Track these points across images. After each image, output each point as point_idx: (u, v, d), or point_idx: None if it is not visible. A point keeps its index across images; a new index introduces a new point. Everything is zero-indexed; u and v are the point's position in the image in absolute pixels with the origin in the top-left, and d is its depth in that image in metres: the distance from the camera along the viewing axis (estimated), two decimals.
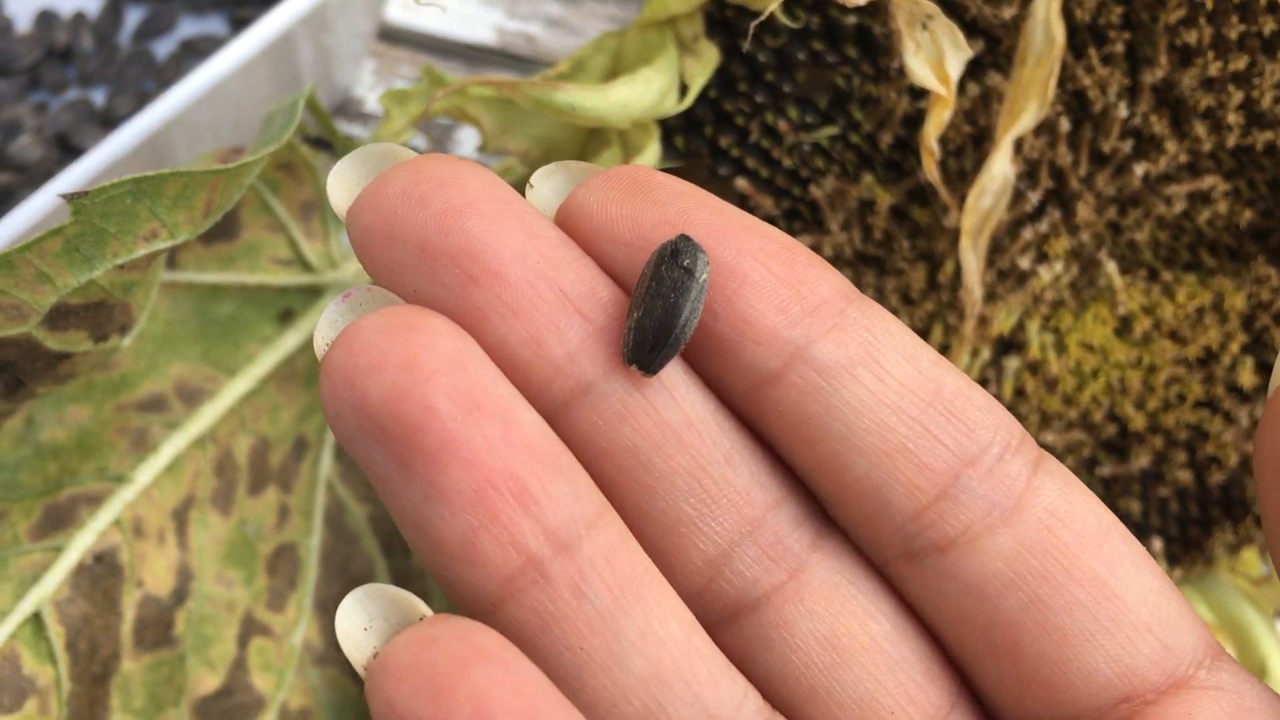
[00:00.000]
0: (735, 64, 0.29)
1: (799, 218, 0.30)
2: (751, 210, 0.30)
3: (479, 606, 0.14)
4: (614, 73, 0.31)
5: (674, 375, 0.15)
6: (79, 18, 0.44)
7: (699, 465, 0.15)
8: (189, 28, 0.45)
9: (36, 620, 0.26)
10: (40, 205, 0.30)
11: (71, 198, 0.19)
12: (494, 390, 0.14)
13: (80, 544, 0.27)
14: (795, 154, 0.30)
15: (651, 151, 0.28)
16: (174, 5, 0.45)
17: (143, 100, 0.42)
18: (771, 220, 0.30)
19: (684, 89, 0.28)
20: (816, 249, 0.30)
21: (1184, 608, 0.16)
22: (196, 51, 0.44)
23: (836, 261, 0.30)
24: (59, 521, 0.27)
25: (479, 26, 0.49)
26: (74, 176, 0.32)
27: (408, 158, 0.15)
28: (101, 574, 0.28)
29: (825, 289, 0.15)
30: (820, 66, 0.29)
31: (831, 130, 0.30)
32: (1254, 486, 0.27)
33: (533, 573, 0.14)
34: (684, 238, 0.15)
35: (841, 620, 0.15)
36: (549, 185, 0.16)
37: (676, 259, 0.14)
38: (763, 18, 0.24)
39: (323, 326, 0.14)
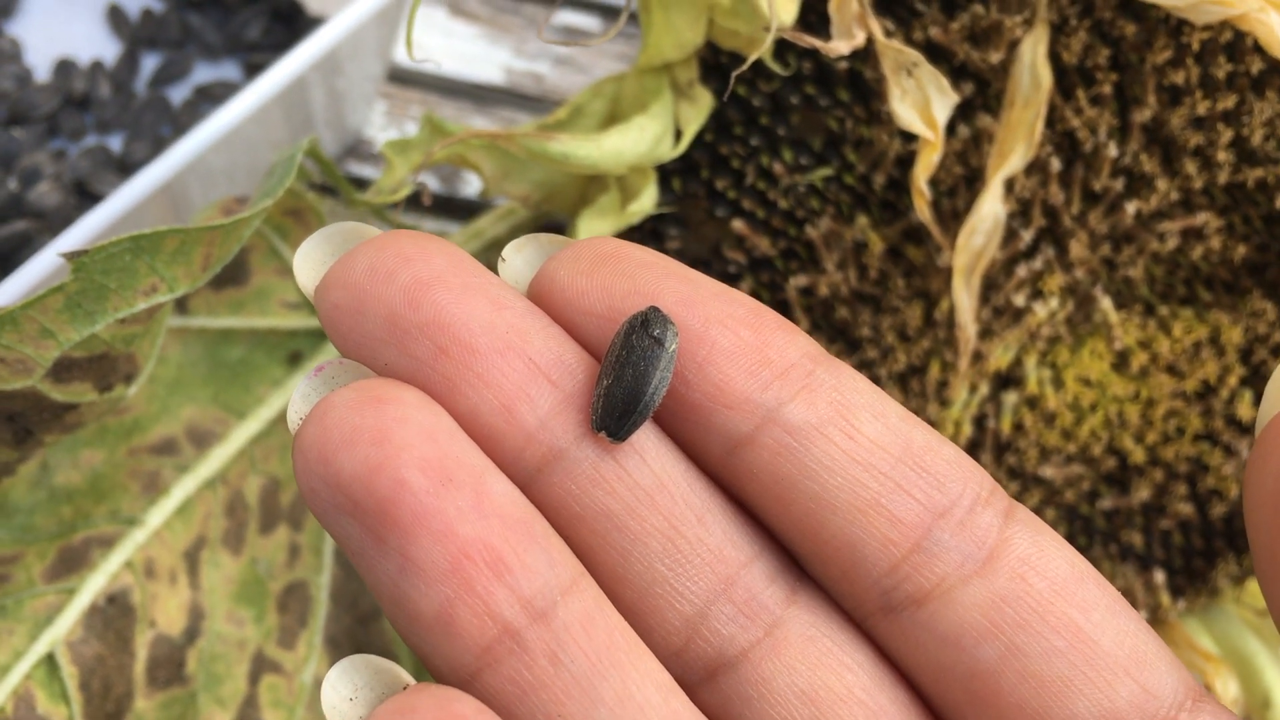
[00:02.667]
0: (730, 108, 0.30)
1: (795, 257, 0.31)
2: (748, 251, 0.31)
3: (457, 676, 0.14)
4: (613, 117, 0.32)
5: (645, 439, 0.15)
6: (96, 66, 0.45)
7: (672, 526, 0.15)
8: (203, 74, 0.46)
9: (50, 661, 0.27)
10: (49, 261, 0.31)
11: (71, 256, 0.20)
12: (466, 461, 0.14)
13: (93, 585, 0.28)
14: (790, 195, 0.30)
15: (649, 195, 0.28)
16: (188, 52, 0.46)
17: (159, 146, 0.43)
18: (767, 260, 0.31)
19: (679, 134, 0.29)
20: (812, 289, 0.31)
21: (1162, 650, 0.16)
22: (211, 97, 0.45)
23: (833, 300, 0.31)
24: (72, 564, 0.28)
25: (487, 66, 0.50)
26: (90, 224, 0.33)
27: (372, 235, 0.15)
28: (114, 615, 0.28)
29: (794, 352, 0.15)
30: (814, 110, 0.30)
31: (826, 172, 0.30)
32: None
33: (509, 642, 0.14)
34: (653, 309, 0.15)
35: (819, 674, 0.15)
36: (520, 258, 0.16)
37: (646, 329, 0.14)
38: (747, 65, 0.24)
39: (296, 401, 0.15)
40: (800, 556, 0.16)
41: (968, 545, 0.15)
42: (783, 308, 0.31)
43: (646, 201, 0.28)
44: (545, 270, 0.16)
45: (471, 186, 0.47)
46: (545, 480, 0.15)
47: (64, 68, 0.44)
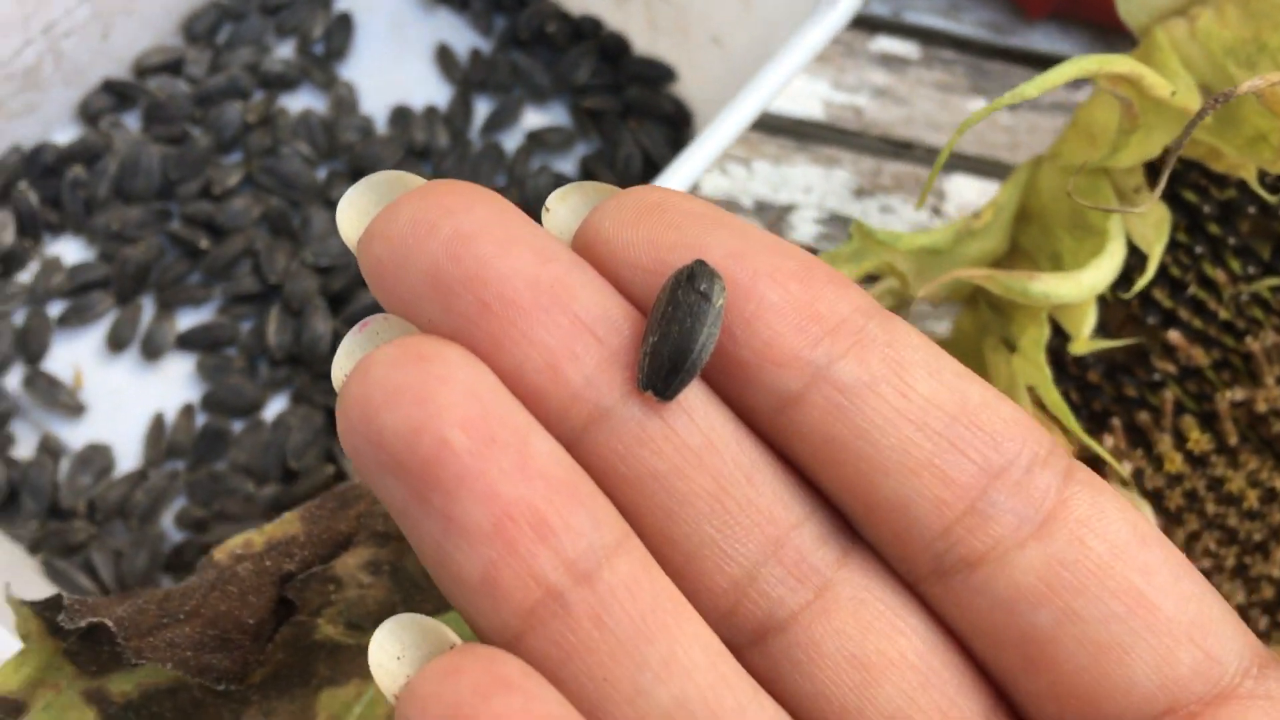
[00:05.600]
0: (1175, 212, 0.27)
1: (1229, 368, 0.28)
2: (1180, 363, 0.28)
3: (502, 638, 0.14)
4: (1027, 211, 0.30)
5: (693, 396, 0.14)
6: (431, 113, 0.45)
7: (720, 486, 0.14)
8: (533, 118, 0.46)
9: None
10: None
11: None
12: (510, 420, 0.13)
13: None
14: (1232, 305, 0.28)
15: (1089, 320, 0.26)
16: (516, 95, 0.46)
17: None
18: (1198, 372, 0.28)
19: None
20: (1249, 403, 0.28)
21: (1228, 615, 0.15)
22: (543, 144, 0.45)
23: (1270, 416, 0.28)
24: None
25: (807, 100, 0.49)
26: None
27: (417, 184, 0.15)
28: None
29: (845, 306, 0.15)
30: (1267, 217, 0.27)
31: (1274, 281, 0.27)
32: None
33: (553, 604, 0.13)
34: (700, 262, 0.14)
35: (870, 637, 0.15)
36: (565, 207, 0.16)
37: (693, 283, 0.14)
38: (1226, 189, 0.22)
39: (340, 358, 0.14)
40: (852, 517, 0.15)
41: (1024, 507, 0.14)
42: (1210, 420, 0.29)
43: (1087, 326, 0.26)
44: (590, 221, 0.15)
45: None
46: (591, 439, 0.14)
47: (401, 116, 0.45)
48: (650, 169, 0.45)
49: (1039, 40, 0.52)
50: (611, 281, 0.15)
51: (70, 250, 0.42)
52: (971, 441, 0.14)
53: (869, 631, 0.15)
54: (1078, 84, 0.50)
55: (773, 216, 0.46)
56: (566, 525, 0.13)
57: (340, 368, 0.14)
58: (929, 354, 0.15)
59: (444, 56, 0.46)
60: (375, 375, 0.13)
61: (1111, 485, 0.16)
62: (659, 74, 0.46)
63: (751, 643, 0.15)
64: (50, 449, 0.39)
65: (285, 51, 0.46)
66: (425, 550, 0.14)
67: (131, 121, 0.43)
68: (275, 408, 0.41)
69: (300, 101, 0.45)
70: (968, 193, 0.49)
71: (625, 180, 0.44)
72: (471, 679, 0.13)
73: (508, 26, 0.47)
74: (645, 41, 0.46)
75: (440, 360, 0.13)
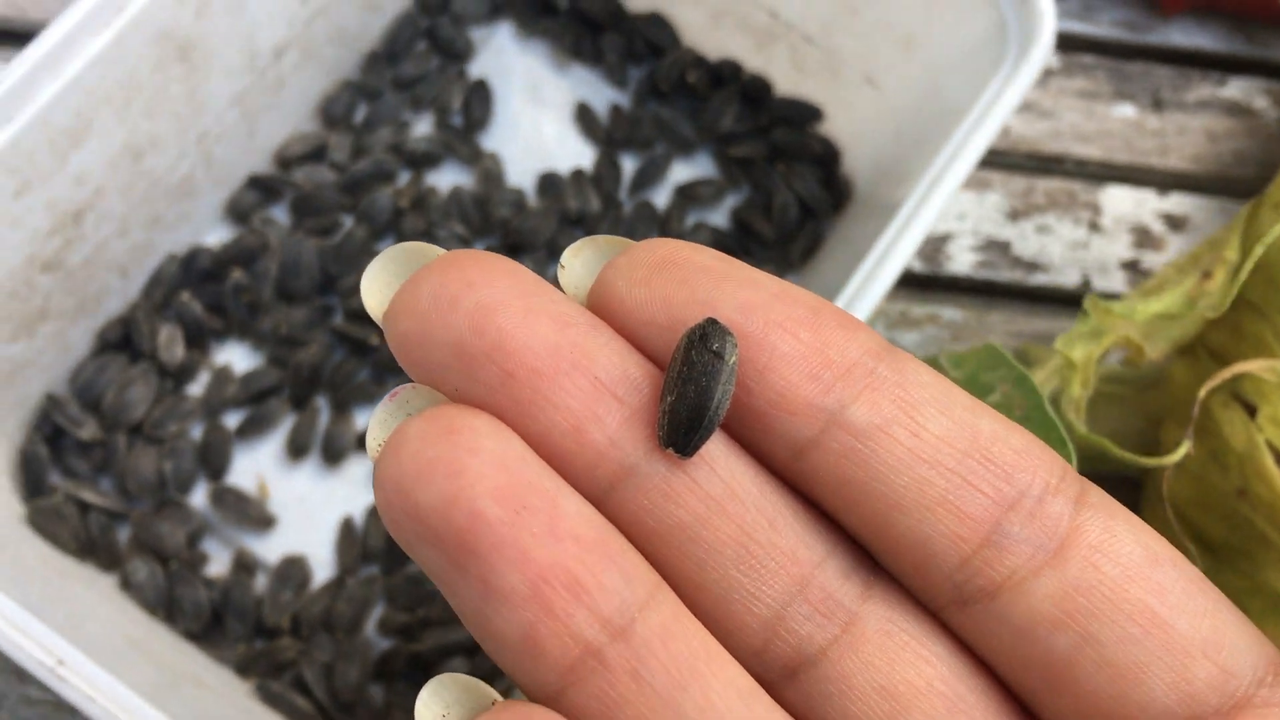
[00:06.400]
0: None
1: None
2: None
3: (544, 694, 0.14)
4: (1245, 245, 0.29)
5: (713, 448, 0.15)
6: (579, 176, 0.44)
7: (744, 532, 0.15)
8: (679, 172, 0.45)
9: None
10: None
11: None
12: (539, 485, 0.14)
13: None
14: None
15: None
16: (661, 150, 0.45)
17: None
18: None
19: None
20: None
21: (1242, 627, 0.15)
22: (694, 199, 0.44)
23: None
24: None
25: None
26: None
27: (435, 255, 0.15)
28: None
29: (854, 350, 0.15)
30: None
31: None
32: None
33: (591, 661, 0.14)
34: (711, 321, 0.15)
35: (897, 667, 0.15)
36: (579, 262, 0.16)
37: (706, 343, 0.14)
38: None
39: (373, 427, 0.15)
40: (873, 552, 0.16)
41: (1038, 536, 0.15)
42: None
43: None
44: (604, 279, 0.15)
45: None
46: (618, 496, 0.15)
47: (549, 183, 0.43)
48: (807, 214, 0.44)
49: (1176, 35, 0.50)
50: (628, 338, 0.15)
51: (237, 356, 0.41)
52: (984, 475, 0.15)
53: (896, 661, 0.15)
54: (1229, 80, 0.49)
55: (929, 248, 0.45)
56: (599, 584, 0.14)
57: (374, 438, 0.15)
58: (939, 391, 0.15)
59: (584, 115, 0.45)
60: (408, 450, 0.14)
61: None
62: (805, 114, 0.44)
63: (784, 678, 0.15)
64: (245, 565, 0.39)
65: (424, 126, 0.44)
66: (466, 613, 0.14)
67: (280, 214, 0.42)
68: None
69: (447, 177, 0.44)
70: (1123, 204, 0.47)
71: (783, 228, 0.43)
72: None
73: (645, 78, 0.45)
74: (789, 84, 0.44)
75: (469, 432, 0.14)
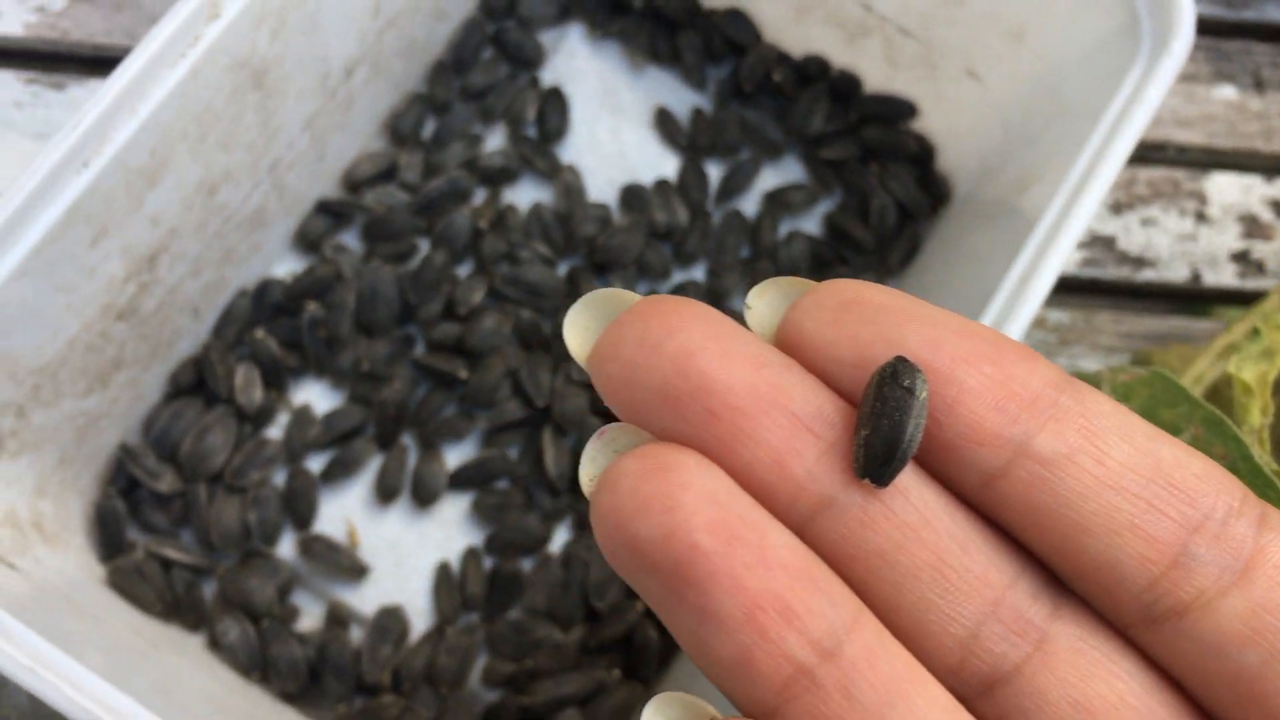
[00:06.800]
0: None
1: None
2: None
3: (758, 710, 0.15)
4: None
5: (906, 478, 0.16)
6: (663, 186, 0.41)
7: (939, 557, 0.16)
8: (768, 177, 0.42)
9: None
10: None
11: None
12: (747, 518, 0.15)
13: None
14: None
15: None
16: (747, 155, 0.42)
17: (747, 270, 0.40)
18: None
19: None
20: None
21: None
22: (785, 205, 0.41)
23: None
24: None
25: None
26: None
27: (632, 300, 0.16)
28: None
29: (1037, 382, 0.16)
30: None
31: None
32: None
33: (804, 680, 0.15)
34: (901, 359, 0.15)
35: (1090, 683, 0.16)
36: (764, 303, 0.17)
37: (897, 380, 0.15)
38: None
39: (585, 464, 0.16)
40: (1061, 575, 0.16)
41: (1224, 557, 0.15)
42: None
43: None
44: (791, 320, 0.16)
45: None
46: (818, 525, 0.16)
47: (633, 196, 0.41)
48: (905, 217, 0.41)
49: (1273, 11, 0.47)
50: (818, 375, 0.16)
51: (316, 394, 0.39)
52: (1169, 500, 0.15)
53: (1089, 677, 0.16)
54: None
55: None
56: (808, 608, 0.15)
57: (586, 474, 0.16)
58: (1120, 420, 0.16)
59: (664, 121, 0.42)
60: (624, 487, 0.15)
61: None
62: (898, 111, 0.42)
63: (980, 695, 0.16)
64: (339, 618, 0.36)
65: (496, 139, 0.42)
66: (683, 636, 0.15)
67: (351, 240, 0.40)
68: (558, 539, 0.38)
69: (525, 193, 0.41)
70: (1230, 192, 0.45)
71: (881, 233, 0.41)
72: None
73: (727, 78, 0.43)
74: (880, 78, 0.42)
75: (680, 469, 0.15)
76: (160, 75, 0.29)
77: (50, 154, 0.28)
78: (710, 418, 0.15)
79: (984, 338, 0.16)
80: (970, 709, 0.16)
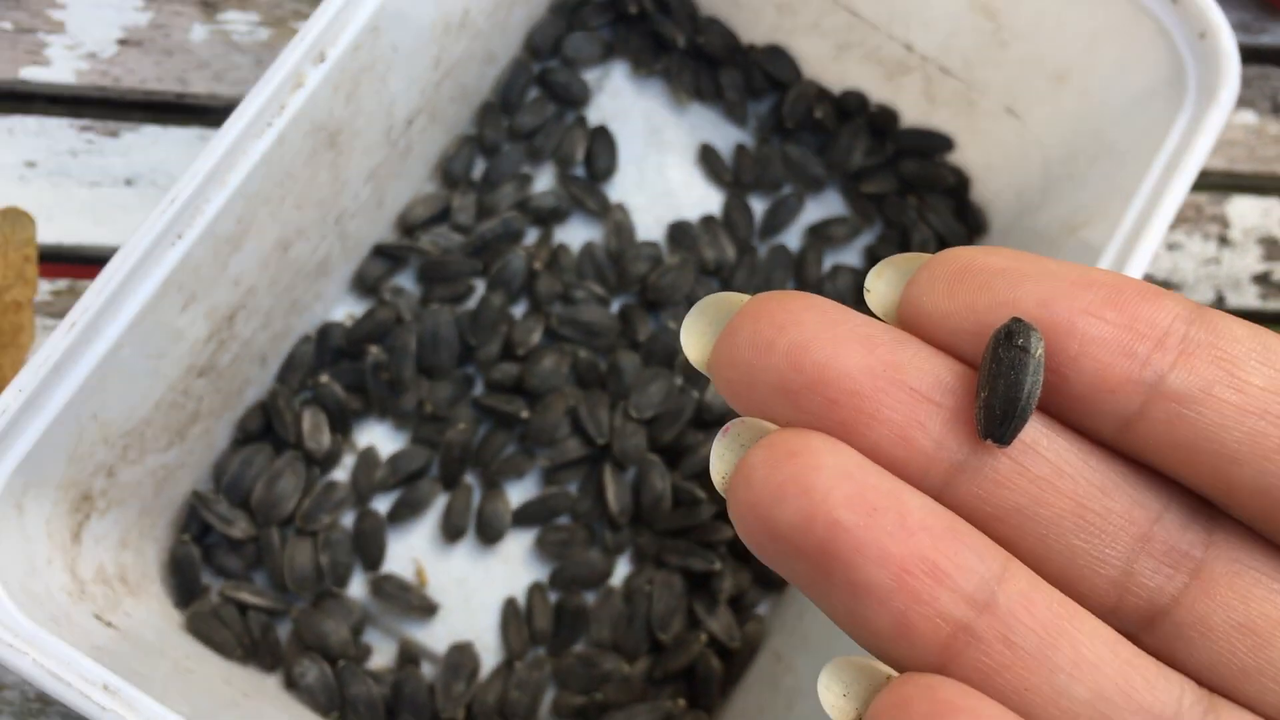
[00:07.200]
0: None
1: None
2: None
3: (924, 670, 0.15)
4: None
5: (1034, 432, 0.16)
6: (710, 223, 0.42)
7: (1078, 503, 0.16)
8: (811, 211, 0.43)
9: None
10: None
11: None
12: (883, 487, 0.15)
13: None
14: None
15: None
16: (791, 191, 0.43)
17: None
18: None
19: None
20: None
21: None
22: (828, 239, 0.42)
23: None
24: None
25: None
26: None
27: (741, 302, 0.16)
28: None
29: (1164, 318, 0.15)
30: None
31: None
32: None
33: (964, 636, 0.15)
34: (1015, 320, 0.15)
35: (1252, 604, 0.16)
36: (883, 283, 0.17)
37: (1011, 340, 0.15)
38: None
39: (714, 462, 0.16)
40: (1217, 504, 0.16)
41: None
42: None
43: None
44: (908, 297, 0.16)
45: None
46: (954, 490, 0.16)
47: (680, 233, 0.42)
48: (943, 249, 0.42)
49: None
50: (940, 347, 0.16)
51: (379, 436, 0.39)
52: None
53: (1250, 598, 0.16)
54: None
55: None
56: (956, 565, 0.15)
57: (717, 471, 0.16)
58: (1256, 343, 0.15)
59: (708, 157, 0.43)
60: (757, 478, 0.15)
61: None
62: (936, 144, 0.43)
63: (1141, 630, 0.16)
64: (411, 656, 0.37)
65: (546, 178, 0.43)
66: (836, 613, 0.15)
67: (407, 281, 0.41)
68: (619, 572, 0.39)
69: (576, 232, 0.42)
70: (1251, 215, 0.46)
71: None
72: (921, 708, 0.15)
73: (768, 114, 0.44)
74: (918, 114, 0.43)
75: (809, 452, 0.15)
76: (249, 147, 0.30)
77: (147, 229, 0.29)
78: (831, 405, 0.15)
79: (1103, 284, 0.16)
80: (1135, 644, 0.16)
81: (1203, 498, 0.16)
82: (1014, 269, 0.16)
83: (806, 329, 0.16)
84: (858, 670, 0.16)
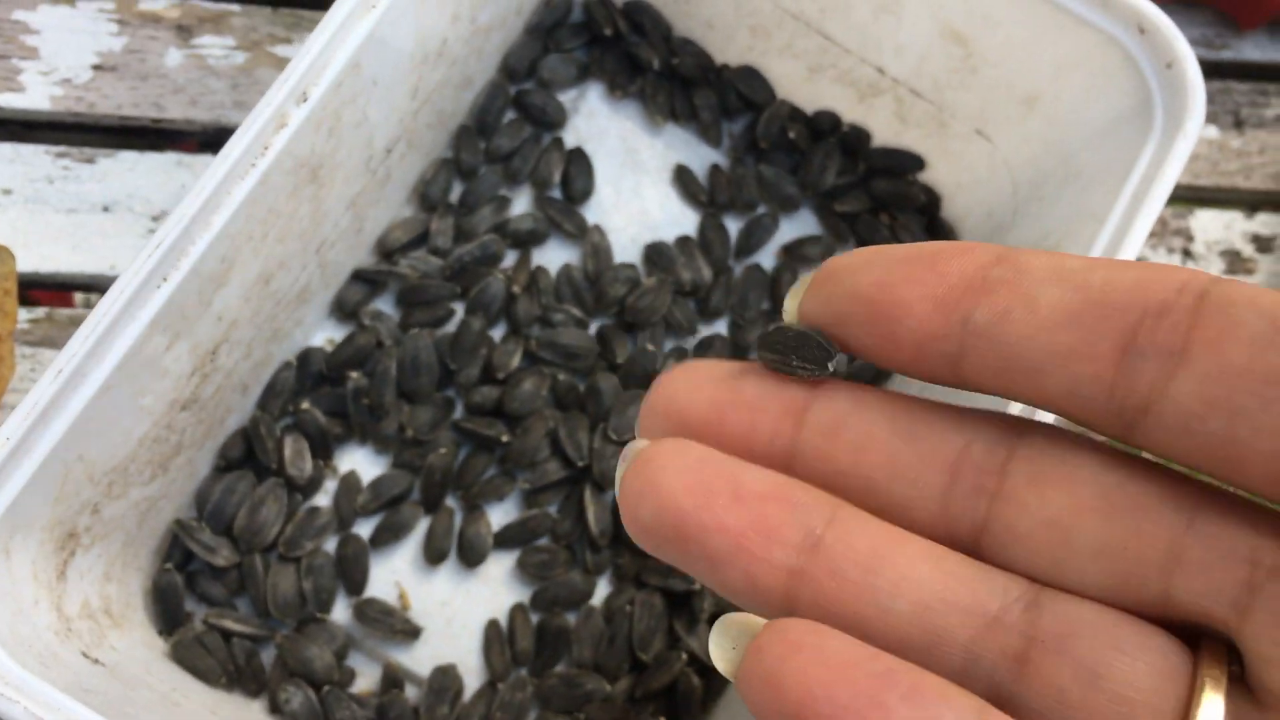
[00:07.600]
0: None
1: None
2: None
3: (780, 615, 0.17)
4: None
5: (843, 408, 0.18)
6: (685, 244, 0.43)
7: (889, 458, 0.18)
8: (785, 230, 0.44)
9: None
10: None
11: None
12: (722, 470, 0.17)
13: None
14: None
15: None
16: (765, 210, 0.44)
17: (766, 326, 0.42)
18: None
19: None
20: None
21: None
22: (803, 259, 0.43)
23: None
24: None
25: None
26: None
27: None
28: None
29: (970, 267, 0.17)
30: None
31: None
32: None
33: (798, 579, 0.17)
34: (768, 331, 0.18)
35: (1049, 499, 0.17)
36: (793, 303, 0.19)
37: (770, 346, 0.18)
38: None
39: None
40: (1053, 412, 0.17)
41: (1162, 347, 0.16)
42: None
43: None
44: (800, 306, 0.18)
45: None
46: (798, 463, 0.18)
47: (657, 254, 0.42)
48: None
49: (1250, 50, 0.50)
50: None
51: (359, 460, 0.40)
52: (1101, 317, 0.16)
53: (1047, 497, 0.17)
54: None
55: None
56: (783, 521, 0.17)
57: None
58: (1051, 268, 0.17)
59: (683, 178, 0.44)
60: (627, 489, 0.17)
61: None
62: (907, 164, 0.44)
63: (972, 547, 0.17)
64: (395, 679, 0.38)
65: (523, 201, 0.43)
66: (708, 583, 0.17)
67: (385, 305, 0.41)
68: (600, 593, 0.40)
69: (554, 255, 0.42)
70: (1213, 228, 0.47)
71: None
72: (774, 650, 0.16)
73: (742, 134, 0.44)
74: (890, 134, 0.44)
75: (660, 456, 0.17)
76: (233, 188, 0.30)
77: (132, 275, 0.29)
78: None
79: (921, 253, 0.17)
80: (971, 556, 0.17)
81: (1010, 423, 0.18)
82: (859, 263, 0.18)
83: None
84: (740, 625, 0.18)
